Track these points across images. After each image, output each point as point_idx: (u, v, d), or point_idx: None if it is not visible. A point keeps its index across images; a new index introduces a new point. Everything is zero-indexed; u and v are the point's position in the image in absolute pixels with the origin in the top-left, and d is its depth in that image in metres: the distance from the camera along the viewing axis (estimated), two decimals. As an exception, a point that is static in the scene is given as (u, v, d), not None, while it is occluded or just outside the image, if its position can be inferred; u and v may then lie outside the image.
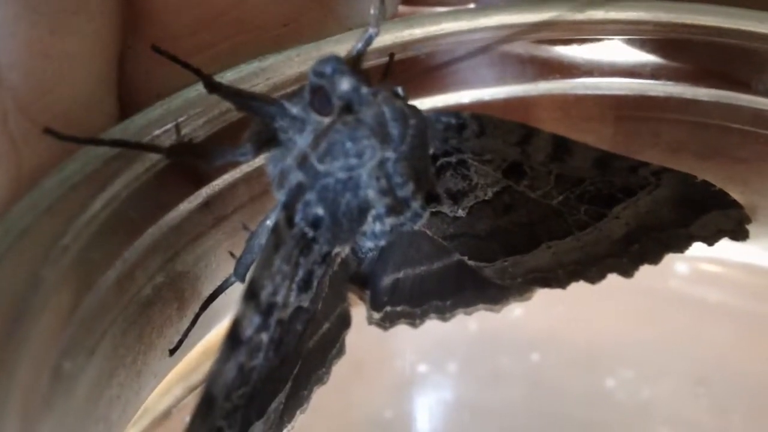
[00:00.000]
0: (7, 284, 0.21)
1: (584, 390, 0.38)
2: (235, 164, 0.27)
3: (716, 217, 0.26)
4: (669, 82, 0.30)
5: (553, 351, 0.38)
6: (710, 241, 0.27)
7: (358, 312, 0.28)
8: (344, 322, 0.26)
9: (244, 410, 0.21)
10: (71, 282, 0.22)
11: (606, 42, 0.30)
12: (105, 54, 0.26)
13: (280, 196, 0.23)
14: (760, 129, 0.30)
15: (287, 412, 0.25)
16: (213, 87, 0.23)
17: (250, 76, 0.27)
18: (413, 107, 0.23)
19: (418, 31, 0.29)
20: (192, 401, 0.29)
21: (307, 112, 0.22)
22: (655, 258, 0.27)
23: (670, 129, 0.31)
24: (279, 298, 0.22)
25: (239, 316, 0.20)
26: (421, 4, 0.33)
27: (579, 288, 0.28)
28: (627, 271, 0.27)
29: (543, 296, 0.29)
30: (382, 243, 0.25)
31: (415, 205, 0.24)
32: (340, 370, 0.27)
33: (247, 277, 0.22)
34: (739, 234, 0.27)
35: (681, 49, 0.30)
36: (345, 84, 0.21)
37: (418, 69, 0.29)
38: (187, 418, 0.20)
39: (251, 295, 0.21)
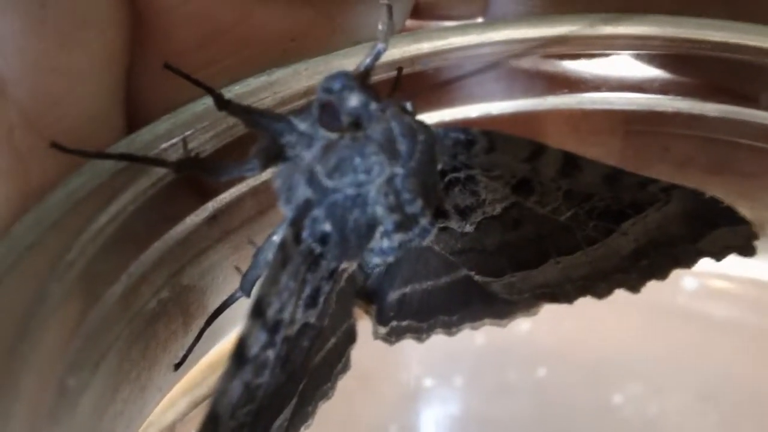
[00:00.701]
0: (14, 298, 0.21)
1: (591, 405, 0.38)
2: (241, 178, 0.26)
3: (724, 233, 0.26)
4: (677, 97, 0.30)
5: (560, 366, 0.38)
6: (718, 256, 0.27)
7: (364, 325, 0.28)
8: (350, 337, 0.26)
9: (249, 428, 0.21)
10: (77, 296, 0.22)
11: (614, 57, 0.30)
12: (112, 68, 0.26)
13: (287, 211, 0.23)
14: (767, 144, 0.30)
15: (292, 428, 0.25)
16: (223, 104, 0.23)
17: (258, 89, 0.27)
18: (422, 123, 0.23)
19: (425, 45, 0.29)
20: (196, 416, 0.29)
21: (315, 127, 0.22)
22: (663, 273, 0.27)
23: (679, 144, 0.31)
24: (286, 315, 0.21)
25: (245, 333, 0.20)
26: (429, 19, 0.33)
27: (586, 303, 0.28)
28: (635, 287, 0.27)
29: (550, 311, 0.29)
30: (390, 259, 0.25)
31: (424, 221, 0.24)
32: (345, 383, 0.27)
33: (254, 293, 0.22)
34: (747, 250, 0.27)
35: (689, 65, 0.30)
36: (354, 100, 0.21)
37: (425, 83, 0.29)
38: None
39: (258, 312, 0.21)
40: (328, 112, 0.22)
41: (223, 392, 0.20)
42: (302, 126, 0.22)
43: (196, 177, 0.26)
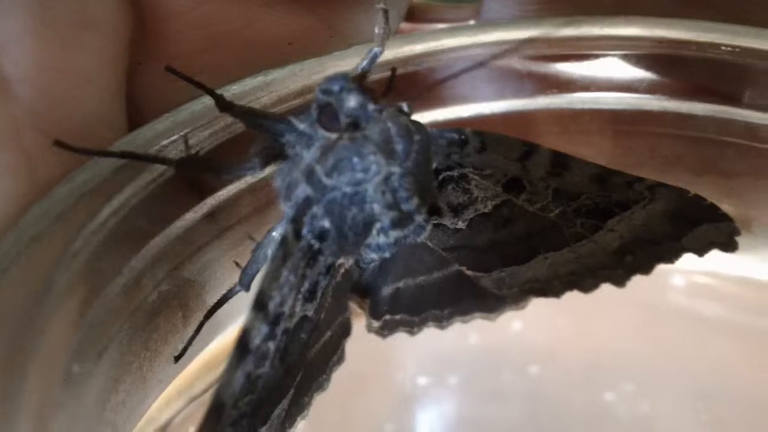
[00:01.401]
0: (20, 288, 0.22)
1: (583, 403, 0.38)
2: (239, 177, 0.27)
3: (707, 229, 0.27)
4: (664, 97, 0.31)
5: (552, 364, 0.38)
6: (701, 252, 0.28)
7: (360, 325, 0.28)
8: (345, 330, 0.27)
9: (250, 417, 0.22)
10: (81, 287, 0.23)
11: (603, 58, 0.31)
12: (114, 69, 0.26)
13: (287, 208, 0.24)
14: (753, 143, 0.31)
15: (289, 419, 0.25)
16: (225, 106, 0.24)
17: (255, 89, 0.28)
18: (418, 123, 0.24)
19: (418, 47, 0.29)
20: (195, 411, 0.30)
21: (314, 128, 0.23)
22: (647, 269, 0.28)
23: (667, 143, 0.32)
24: (286, 308, 0.22)
25: (248, 325, 0.21)
26: (423, 22, 0.33)
27: (578, 301, 0.28)
28: (620, 282, 0.28)
29: (542, 310, 0.29)
30: (386, 255, 0.25)
31: (419, 218, 0.25)
32: (340, 383, 0.28)
33: (256, 287, 0.22)
34: (729, 246, 0.27)
35: (676, 65, 0.30)
36: (352, 101, 0.22)
37: (418, 84, 0.29)
38: (191, 429, 0.20)
39: (260, 305, 0.21)
40: (327, 113, 0.23)
41: (228, 382, 0.20)
42: (302, 126, 0.23)
43: (196, 175, 0.26)
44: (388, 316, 0.28)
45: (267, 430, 0.24)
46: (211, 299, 0.27)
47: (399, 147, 0.23)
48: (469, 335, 0.37)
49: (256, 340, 0.21)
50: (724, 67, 0.30)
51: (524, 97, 0.31)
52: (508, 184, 0.26)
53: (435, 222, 0.26)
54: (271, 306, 0.22)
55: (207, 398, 0.21)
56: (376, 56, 0.24)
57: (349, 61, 0.27)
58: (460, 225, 0.27)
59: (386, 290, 0.28)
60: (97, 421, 0.24)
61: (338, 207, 0.23)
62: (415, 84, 0.29)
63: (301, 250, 0.23)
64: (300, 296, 0.23)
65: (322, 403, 0.27)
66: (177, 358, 0.27)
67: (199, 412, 0.20)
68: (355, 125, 0.22)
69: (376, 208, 0.24)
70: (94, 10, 0.25)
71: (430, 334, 0.29)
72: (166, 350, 0.27)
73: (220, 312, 0.27)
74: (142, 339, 0.26)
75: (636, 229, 0.27)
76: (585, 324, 0.37)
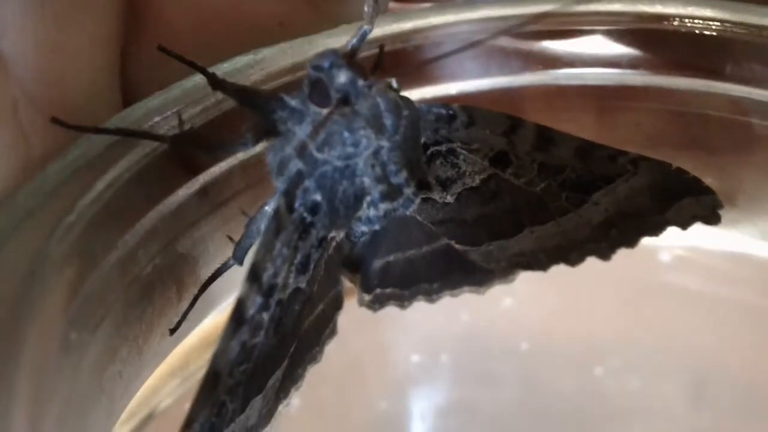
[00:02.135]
0: (16, 259, 0.22)
1: (573, 379, 0.39)
2: (232, 153, 0.27)
3: (690, 203, 0.28)
4: (647, 72, 0.31)
5: (542, 340, 0.39)
6: (684, 225, 0.28)
7: (353, 303, 0.29)
8: (337, 303, 0.27)
9: (245, 386, 0.22)
10: (76, 260, 0.23)
11: (587, 34, 0.31)
12: (108, 48, 0.27)
13: (279, 183, 0.24)
14: (736, 116, 0.31)
15: (283, 389, 0.26)
16: (216, 84, 0.24)
17: (245, 67, 0.28)
18: (406, 99, 0.24)
19: (406, 25, 0.30)
20: (191, 388, 0.30)
21: (305, 104, 0.23)
22: (631, 242, 0.28)
23: (650, 118, 0.32)
24: (279, 280, 0.23)
25: (243, 296, 0.22)
26: (412, 1, 0.34)
27: (567, 277, 0.29)
28: (605, 255, 0.28)
29: (532, 286, 0.30)
30: (376, 227, 0.26)
31: (408, 191, 0.25)
32: (334, 361, 0.28)
33: (250, 260, 0.23)
34: (712, 219, 0.28)
35: (658, 40, 0.31)
36: (342, 77, 0.23)
37: (406, 61, 0.30)
38: (187, 405, 0.21)
39: (254, 277, 0.22)
40: (317, 89, 0.23)
41: (223, 350, 0.21)
42: (293, 102, 0.24)
43: (189, 151, 0.27)
44: (378, 290, 0.29)
45: (262, 399, 0.24)
46: (205, 274, 0.28)
47: (388, 122, 0.24)
48: (460, 313, 0.38)
49: (251, 311, 0.22)
50: (705, 41, 0.30)
51: (510, 74, 0.31)
52: (494, 159, 0.27)
53: (424, 196, 0.27)
54: (265, 277, 0.22)
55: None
56: (365, 34, 0.24)
57: (338, 39, 0.28)
58: (449, 199, 0.27)
59: (377, 264, 0.28)
60: (94, 389, 0.24)
61: (329, 181, 0.24)
62: (403, 61, 0.30)
63: (293, 223, 0.23)
64: (293, 268, 0.23)
65: (316, 381, 0.27)
66: (172, 331, 0.27)
67: (195, 389, 0.21)
68: (345, 101, 0.23)
69: (367, 181, 0.24)
70: None
71: (421, 312, 0.30)
72: (162, 323, 0.28)
73: (214, 288, 0.27)
74: (138, 312, 0.26)
75: (620, 202, 0.27)
76: (574, 300, 0.37)
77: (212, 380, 0.21)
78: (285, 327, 0.24)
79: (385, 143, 0.24)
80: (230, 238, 0.27)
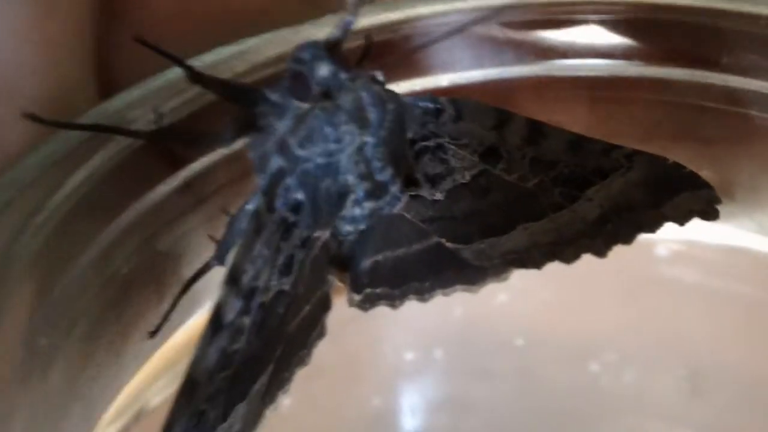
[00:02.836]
0: None
1: (569, 374, 0.39)
2: (213, 148, 0.27)
3: (687, 197, 0.27)
4: (641, 63, 0.31)
5: (538, 336, 0.38)
6: (681, 221, 0.27)
7: (343, 301, 0.28)
8: (325, 304, 0.27)
9: (227, 393, 0.22)
10: (46, 259, 0.23)
11: (580, 24, 0.31)
12: (85, 39, 0.26)
13: (260, 180, 0.23)
14: (733, 107, 0.31)
15: (269, 394, 0.25)
16: (195, 78, 0.23)
17: (229, 57, 0.27)
18: (391, 92, 0.24)
19: (394, 14, 0.29)
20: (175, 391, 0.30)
21: (286, 98, 0.23)
22: (627, 238, 0.28)
23: (645, 109, 0.32)
24: (260, 282, 0.22)
25: (221, 300, 0.21)
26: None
27: (562, 273, 0.28)
28: (601, 251, 0.28)
29: (527, 281, 0.29)
30: (362, 227, 0.25)
31: (394, 189, 0.24)
32: (326, 358, 0.27)
33: (229, 262, 0.22)
34: (710, 214, 0.27)
35: (653, 30, 0.30)
36: (323, 70, 0.22)
37: (395, 52, 0.29)
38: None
39: (233, 279, 0.21)
40: (298, 82, 0.22)
41: (200, 358, 0.20)
42: (274, 96, 0.23)
43: (169, 147, 0.26)
44: (368, 290, 0.28)
45: (246, 405, 0.23)
46: (188, 273, 0.27)
47: (372, 116, 0.23)
48: (454, 308, 0.37)
49: (229, 315, 0.21)
50: (701, 31, 0.29)
51: (502, 65, 0.31)
52: (485, 154, 0.26)
53: (412, 193, 0.26)
54: (245, 280, 0.21)
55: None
56: (349, 25, 0.23)
57: (324, 30, 0.27)
58: (438, 196, 0.26)
59: (366, 263, 0.27)
60: (67, 396, 0.24)
61: (312, 178, 0.23)
62: (392, 52, 0.29)
63: (274, 223, 0.23)
64: (275, 270, 0.23)
65: (308, 377, 0.27)
66: (152, 334, 0.27)
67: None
68: (327, 94, 0.22)
69: (350, 178, 0.24)
70: None
71: (414, 308, 0.29)
72: (141, 325, 0.27)
73: (198, 287, 0.27)
74: (115, 313, 0.26)
75: (615, 197, 0.27)
76: (569, 296, 0.37)
77: (189, 389, 0.20)
78: (269, 331, 0.23)
79: (369, 138, 0.23)
80: (212, 238, 0.26)
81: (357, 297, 0.28)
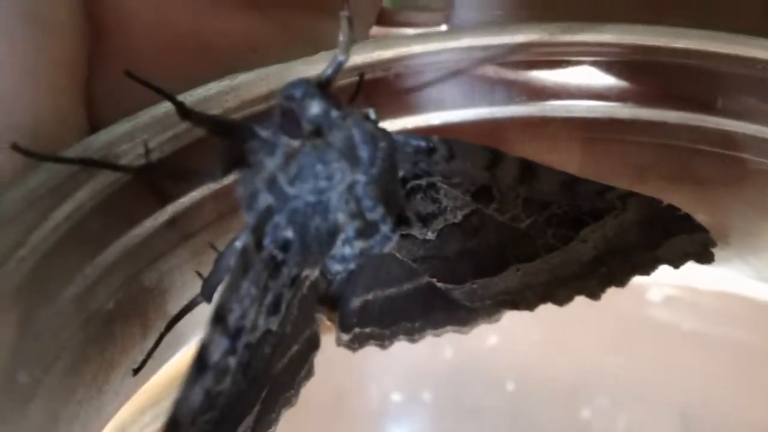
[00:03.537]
0: None
1: (560, 419, 0.38)
2: (201, 183, 0.26)
3: (682, 240, 0.27)
4: (635, 105, 0.31)
5: (528, 379, 0.38)
6: (676, 264, 0.27)
7: (331, 339, 0.28)
8: (313, 344, 0.26)
9: None
10: (27, 294, 0.22)
11: (574, 65, 0.30)
12: (72, 72, 0.26)
13: (249, 217, 0.23)
14: (727, 150, 0.30)
15: None
16: (185, 113, 0.23)
17: (220, 93, 0.27)
18: (383, 130, 0.23)
19: (387, 52, 0.29)
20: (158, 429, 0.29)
21: (276, 135, 0.22)
22: (622, 280, 0.27)
23: (639, 151, 0.32)
24: (247, 322, 0.22)
25: (206, 340, 0.20)
26: (393, 26, 0.33)
27: (554, 315, 0.28)
28: (594, 293, 0.28)
29: (518, 323, 0.29)
30: (352, 266, 0.25)
31: (385, 228, 0.24)
32: (314, 399, 0.27)
33: (215, 300, 0.22)
34: (705, 257, 0.27)
35: (647, 72, 0.30)
36: (314, 107, 0.22)
37: (387, 90, 0.29)
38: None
39: (218, 318, 0.21)
40: (289, 120, 0.22)
41: (184, 399, 0.20)
42: (264, 133, 0.23)
43: (156, 183, 0.26)
44: (357, 329, 0.28)
45: None
46: (173, 309, 0.27)
47: (363, 154, 0.23)
48: (444, 350, 0.37)
49: (215, 355, 0.20)
50: (695, 74, 0.29)
51: (494, 105, 0.31)
52: (477, 193, 0.26)
53: (403, 232, 0.26)
54: (231, 319, 0.21)
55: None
56: (341, 64, 0.23)
57: (317, 67, 0.27)
58: (430, 235, 0.26)
59: (355, 302, 0.27)
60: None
61: (301, 216, 0.23)
62: (384, 90, 0.29)
63: (263, 261, 0.22)
64: (263, 309, 0.22)
65: (295, 418, 0.26)
66: (136, 371, 0.26)
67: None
68: (317, 132, 0.22)
69: (340, 217, 0.23)
70: (48, 14, 0.25)
71: (403, 348, 0.29)
72: (124, 362, 0.26)
73: (183, 324, 0.26)
74: (97, 349, 0.25)
75: (609, 239, 0.27)
76: (561, 338, 0.36)
77: (171, 430, 0.19)
78: (255, 371, 0.22)
79: (360, 177, 0.23)
80: (199, 274, 0.26)
81: (346, 336, 0.28)
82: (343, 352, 0.28)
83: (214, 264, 0.25)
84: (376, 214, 0.24)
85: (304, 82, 0.22)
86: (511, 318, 0.28)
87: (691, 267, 0.27)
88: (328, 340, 0.27)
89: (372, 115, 0.23)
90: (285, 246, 0.23)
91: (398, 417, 0.39)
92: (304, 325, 0.25)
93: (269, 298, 0.22)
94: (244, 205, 0.23)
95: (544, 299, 0.28)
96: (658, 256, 0.27)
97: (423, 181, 0.25)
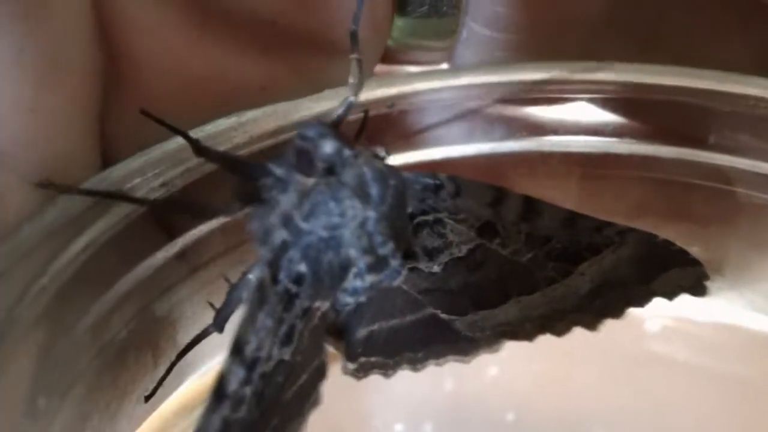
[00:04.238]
0: None
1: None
2: (215, 217, 0.27)
3: (676, 274, 0.27)
4: (631, 140, 0.31)
5: (529, 411, 0.38)
6: (670, 296, 0.28)
7: (335, 370, 0.28)
8: (321, 373, 0.27)
9: None
10: (46, 323, 0.23)
11: (571, 102, 0.31)
12: (87, 110, 0.26)
13: (263, 252, 0.24)
14: (721, 185, 0.31)
15: None
16: (200, 151, 0.24)
17: (229, 129, 0.28)
18: (393, 168, 0.24)
19: (391, 90, 0.30)
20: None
21: (290, 173, 0.23)
22: (617, 312, 0.28)
23: (634, 186, 0.32)
24: (263, 353, 0.22)
25: (225, 370, 0.21)
26: (396, 63, 0.34)
27: (554, 347, 0.28)
28: (591, 325, 0.28)
29: (519, 355, 0.29)
30: (362, 299, 0.26)
31: (395, 262, 0.25)
32: (313, 428, 0.27)
33: (233, 331, 0.22)
34: (699, 290, 0.28)
35: (643, 109, 0.31)
36: (328, 147, 0.23)
37: (390, 125, 0.30)
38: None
39: (237, 350, 0.21)
40: (303, 158, 0.23)
41: (203, 427, 0.20)
42: (278, 171, 0.23)
43: (171, 216, 0.26)
44: (363, 359, 0.28)
45: None
46: (183, 338, 0.27)
47: (374, 191, 0.24)
48: (445, 381, 0.37)
49: (233, 385, 0.21)
50: (689, 110, 0.30)
51: (494, 141, 0.31)
52: (481, 229, 0.26)
53: (410, 266, 0.26)
54: (248, 350, 0.22)
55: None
56: (351, 105, 0.24)
57: (323, 104, 0.28)
58: (435, 269, 0.27)
59: (361, 333, 0.28)
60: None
61: (315, 251, 0.23)
62: (387, 125, 0.30)
63: (277, 294, 0.23)
64: (277, 340, 0.23)
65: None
66: (147, 398, 0.27)
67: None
68: (330, 170, 0.23)
69: (352, 252, 0.24)
70: (66, 53, 0.25)
71: (405, 379, 0.29)
72: (136, 389, 0.27)
73: (193, 353, 0.27)
74: (111, 377, 0.26)
75: (605, 273, 0.27)
76: (561, 370, 0.36)
77: None
78: (267, 400, 0.23)
79: (371, 213, 0.24)
80: (212, 305, 0.26)
81: (351, 365, 0.28)
82: (347, 382, 0.29)
83: (226, 296, 0.25)
84: (386, 249, 0.24)
85: (318, 124, 0.23)
86: (512, 349, 0.29)
87: (688, 299, 0.28)
88: (330, 370, 0.28)
89: (382, 153, 0.24)
90: (299, 279, 0.23)
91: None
92: (313, 354, 0.26)
93: (283, 329, 0.23)
94: (258, 240, 0.24)
95: (542, 330, 0.28)
96: (653, 289, 0.28)
97: (430, 217, 0.26)
